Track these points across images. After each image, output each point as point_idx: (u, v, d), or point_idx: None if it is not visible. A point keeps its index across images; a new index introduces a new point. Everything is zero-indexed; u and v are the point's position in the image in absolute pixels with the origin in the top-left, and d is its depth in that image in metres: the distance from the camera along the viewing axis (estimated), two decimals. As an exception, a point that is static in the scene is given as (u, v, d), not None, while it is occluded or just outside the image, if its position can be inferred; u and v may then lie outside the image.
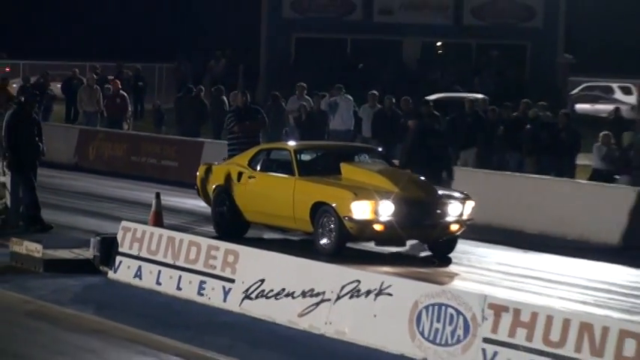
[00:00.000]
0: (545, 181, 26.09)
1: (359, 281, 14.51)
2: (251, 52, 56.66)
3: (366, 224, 19.24)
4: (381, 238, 19.70)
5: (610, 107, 51.91)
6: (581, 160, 29.48)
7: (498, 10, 57.42)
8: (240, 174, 21.34)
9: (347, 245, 19.58)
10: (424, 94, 39.33)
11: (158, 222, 19.34)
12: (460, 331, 13.18)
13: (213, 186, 21.98)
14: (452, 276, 18.71)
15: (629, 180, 26.84)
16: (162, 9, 67.03)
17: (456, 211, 19.84)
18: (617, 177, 27.18)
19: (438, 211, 19.77)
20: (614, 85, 57.77)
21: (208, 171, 22.74)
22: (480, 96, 40.58)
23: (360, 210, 19.16)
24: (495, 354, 12.79)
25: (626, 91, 57.45)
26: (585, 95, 55.08)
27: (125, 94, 39.09)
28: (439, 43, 58.87)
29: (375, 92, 34.63)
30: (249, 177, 21.19)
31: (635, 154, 27.75)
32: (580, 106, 49.57)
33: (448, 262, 19.77)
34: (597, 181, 26.74)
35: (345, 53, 56.12)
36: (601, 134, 28.93)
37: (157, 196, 20.61)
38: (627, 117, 48.10)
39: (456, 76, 51.36)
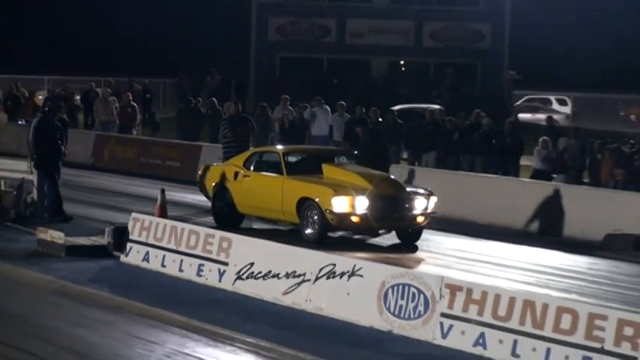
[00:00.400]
0: (494, 179, 26.14)
1: (334, 264, 14.58)
2: (242, 69, 56.47)
3: (345, 216, 19.30)
4: (357, 229, 19.81)
5: (543, 116, 52.08)
6: (524, 161, 29.46)
7: (452, 34, 57.40)
8: (236, 173, 21.37)
9: (328, 234, 19.51)
10: (389, 105, 39.20)
11: (163, 214, 19.33)
12: (421, 307, 13.24)
13: (213, 183, 21.99)
14: (415, 260, 18.73)
15: (564, 178, 26.92)
16: (166, 33, 66.72)
17: (421, 205, 19.89)
18: (554, 176, 27.21)
19: (406, 206, 19.84)
20: (552, 98, 57.89)
21: (208, 171, 22.78)
22: (437, 107, 40.61)
23: (340, 204, 19.22)
24: (451, 327, 12.85)
25: (562, 102, 57.65)
26: (527, 106, 55.17)
27: (135, 105, 38.97)
28: (402, 62, 58.71)
29: (343, 103, 34.63)
30: (244, 176, 21.20)
31: (569, 157, 27.82)
32: (522, 116, 49.58)
33: (415, 249, 19.82)
34: (538, 180, 26.80)
35: (322, 70, 56.01)
36: (540, 139, 28.98)
37: (162, 191, 20.61)
38: (563, 125, 48.35)
39: (417, 90, 51.26)
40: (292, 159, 21.18)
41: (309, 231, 19.58)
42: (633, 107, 59.59)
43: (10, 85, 45.77)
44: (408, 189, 20.47)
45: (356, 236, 20.29)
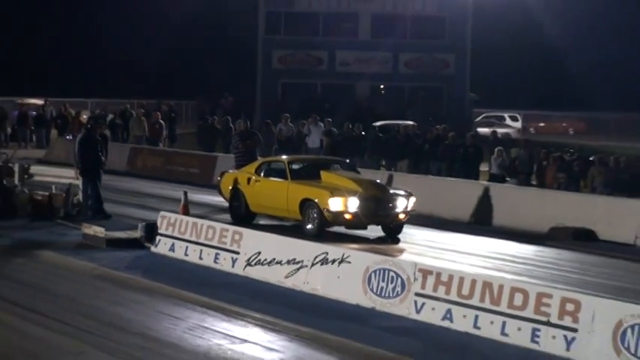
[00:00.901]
0: (458, 182, 26.09)
1: (327, 253, 14.60)
2: (250, 93, 56.44)
3: (339, 214, 19.30)
4: (349, 224, 19.72)
5: (503, 130, 52.08)
6: (483, 167, 29.43)
7: (423, 63, 57.41)
8: (249, 179, 21.34)
9: (325, 229, 19.49)
10: (372, 121, 39.25)
11: (186, 212, 19.27)
12: (399, 288, 13.26)
13: (229, 187, 21.91)
14: (396, 250, 18.70)
15: (516, 181, 26.96)
16: (188, 63, 66.63)
17: (402, 204, 19.88)
18: (507, 179, 27.20)
19: (390, 205, 19.82)
20: (505, 115, 57.84)
21: (225, 176, 22.74)
22: (410, 123, 40.60)
23: (335, 204, 19.22)
24: (423, 304, 12.87)
25: (514, 118, 57.65)
26: (484, 122, 55.08)
27: (162, 122, 38.90)
28: (382, 86, 58.69)
29: (330, 120, 34.73)
30: (256, 181, 21.17)
31: (520, 164, 27.82)
32: (481, 130, 49.45)
33: (397, 240, 19.81)
34: (494, 182, 26.77)
35: (317, 93, 55.96)
36: (496, 149, 29.02)
37: (185, 193, 20.55)
38: (515, 137, 48.37)
39: (394, 109, 51.21)
40: (295, 167, 21.15)
41: (309, 226, 19.53)
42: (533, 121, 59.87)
43: (60, 106, 45.85)
44: (391, 191, 20.44)
45: (348, 230, 20.20)
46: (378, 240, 19.79)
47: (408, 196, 20.18)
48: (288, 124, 35.20)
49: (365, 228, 20.05)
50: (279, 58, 57.86)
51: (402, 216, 20.05)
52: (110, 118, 40.97)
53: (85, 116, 38.44)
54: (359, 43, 57.76)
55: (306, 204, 19.79)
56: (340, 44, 57.72)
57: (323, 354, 11.37)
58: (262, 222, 21.04)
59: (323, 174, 20.57)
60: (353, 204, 19.35)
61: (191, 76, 63.54)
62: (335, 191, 19.56)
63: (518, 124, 56.98)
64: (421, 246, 19.40)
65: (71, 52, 67.85)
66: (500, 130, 52.19)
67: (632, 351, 10.62)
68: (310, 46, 57.84)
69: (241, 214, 21.33)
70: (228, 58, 62.38)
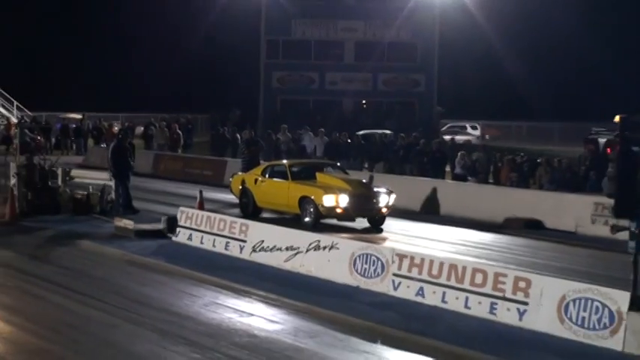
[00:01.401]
0: (427, 180, 25.98)
1: (319, 240, 14.61)
2: (254, 107, 56.40)
3: (332, 209, 19.27)
4: (340, 217, 19.66)
5: (464, 138, 52.16)
6: (447, 168, 29.40)
7: (398, 82, 57.38)
8: (256, 179, 21.29)
9: (320, 221, 19.43)
10: (355, 130, 39.21)
11: (201, 207, 19.22)
12: (379, 269, 13.28)
13: (239, 187, 21.87)
14: (379, 238, 18.66)
15: (476, 180, 26.89)
16: (202, 82, 66.61)
17: (384, 200, 19.84)
18: (469, 178, 27.15)
19: (374, 201, 19.79)
20: (467, 124, 57.78)
21: (236, 178, 22.70)
22: (388, 132, 40.60)
23: (328, 200, 19.20)
24: (400, 283, 12.90)
25: (474, 127, 57.53)
26: (449, 130, 54.97)
27: (180, 133, 38.86)
28: (364, 101, 58.66)
29: (323, 130, 34.72)
30: (262, 181, 21.12)
31: (479, 165, 27.80)
32: (447, 137, 49.42)
33: (380, 230, 19.76)
34: (457, 181, 26.78)
35: (309, 107, 55.92)
36: (459, 153, 28.97)
37: (200, 192, 20.53)
38: (475, 143, 48.38)
39: (374, 120, 51.20)
40: (295, 169, 21.07)
41: (307, 219, 19.46)
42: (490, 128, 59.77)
43: (95, 120, 45.89)
44: (375, 189, 20.35)
45: (339, 222, 20.17)
46: (364, 230, 19.75)
47: (389, 193, 20.16)
48: (286, 134, 35.22)
49: (353, 220, 20.01)
50: (278, 78, 57.80)
51: (384, 210, 20.01)
52: (141, 130, 41.14)
53: (116, 128, 38.41)
54: (344, 66, 57.73)
55: (304, 200, 19.76)
56: (329, 67, 57.69)
57: (316, 325, 11.38)
58: (266, 215, 20.98)
59: (318, 175, 20.56)
60: (343, 200, 19.33)
61: (204, 93, 63.50)
62: (328, 190, 19.55)
63: (478, 132, 56.98)
64: (399, 234, 19.37)
65: (105, 74, 67.83)
66: (463, 138, 52.38)
67: (574, 320, 10.66)
68: (304, 69, 57.79)
69: (249, 209, 21.25)
70: (235, 78, 62.33)
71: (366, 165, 30.87)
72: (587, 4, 67.75)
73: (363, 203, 19.80)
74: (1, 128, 40.66)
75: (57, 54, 66.22)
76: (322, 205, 19.31)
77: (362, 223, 20.09)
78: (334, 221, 19.85)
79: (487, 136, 56.44)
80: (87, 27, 70.68)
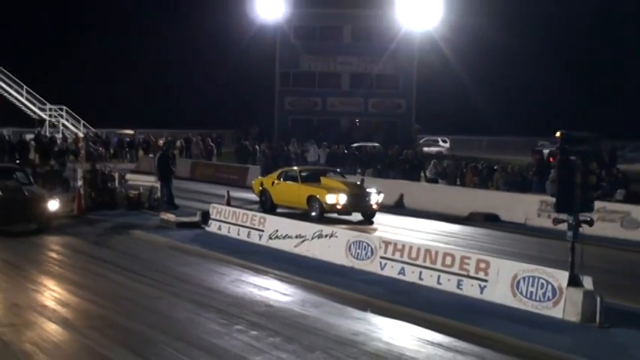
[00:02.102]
0: (407, 183, 26.00)
1: (322, 230, 14.65)
2: (270, 125, 56.39)
3: (333, 205, 19.30)
4: (340, 212, 19.59)
5: (437, 149, 52.13)
6: (423, 174, 29.34)
7: (384, 104, 57.28)
8: (273, 182, 21.32)
9: (324, 215, 19.37)
10: (350, 143, 39.22)
11: (228, 204, 19.26)
12: (369, 253, 13.31)
13: (259, 188, 21.88)
14: (370, 229, 18.60)
15: (445, 183, 26.82)
16: (228, 104, 66.74)
17: (375, 199, 19.88)
18: (440, 181, 27.10)
19: (367, 199, 19.80)
20: (439, 138, 57.72)
21: (256, 181, 22.67)
22: (376, 144, 40.60)
23: (331, 199, 19.24)
24: (385, 264, 12.91)
25: (444, 141, 57.50)
26: (425, 143, 54.91)
27: (212, 145, 38.99)
28: (357, 120, 58.54)
29: (325, 143, 34.75)
30: (277, 183, 21.13)
31: (449, 171, 27.77)
32: (424, 149, 49.29)
33: (371, 223, 19.71)
34: (431, 183, 26.76)
35: (314, 125, 55.81)
36: (432, 161, 29.09)
37: (228, 192, 20.65)
38: (445, 153, 48.37)
39: (365, 135, 51.18)
40: (304, 174, 21.08)
41: (313, 213, 19.42)
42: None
43: (145, 135, 45.98)
44: (367, 190, 20.33)
45: (339, 216, 20.14)
46: (358, 222, 19.73)
47: (378, 193, 20.17)
48: (295, 146, 35.34)
49: (350, 214, 19.98)
50: (289, 102, 57.79)
51: (374, 206, 20.00)
52: (181, 143, 41.29)
53: (161, 141, 38.33)
54: (341, 92, 57.71)
55: (311, 199, 19.75)
56: (329, 93, 57.68)
57: (319, 297, 11.36)
58: (280, 211, 20.95)
59: (322, 179, 20.61)
60: (342, 199, 19.33)
61: (231, 113, 63.55)
62: (330, 190, 19.56)
63: (447, 145, 56.95)
64: (385, 226, 19.34)
65: (151, 98, 67.96)
66: (435, 149, 52.37)
67: (524, 294, 10.67)
68: (310, 95, 57.77)
69: (267, 206, 21.21)
70: (255, 102, 62.38)
71: (359, 170, 30.81)
72: (538, 41, 68.04)
73: (358, 201, 19.79)
74: (71, 141, 40.65)
75: (114, 81, 66.30)
76: (326, 203, 19.34)
77: (357, 216, 20.08)
78: (335, 215, 19.85)
79: (446, 144, 56.48)
80: (138, 58, 70.96)
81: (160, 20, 77.15)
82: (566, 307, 10.13)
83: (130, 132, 49.31)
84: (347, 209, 19.61)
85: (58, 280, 12.36)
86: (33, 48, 65.10)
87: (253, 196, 22.92)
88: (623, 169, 26.68)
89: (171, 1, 79.47)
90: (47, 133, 44.89)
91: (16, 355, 8.30)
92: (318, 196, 19.59)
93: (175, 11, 78.51)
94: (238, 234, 16.65)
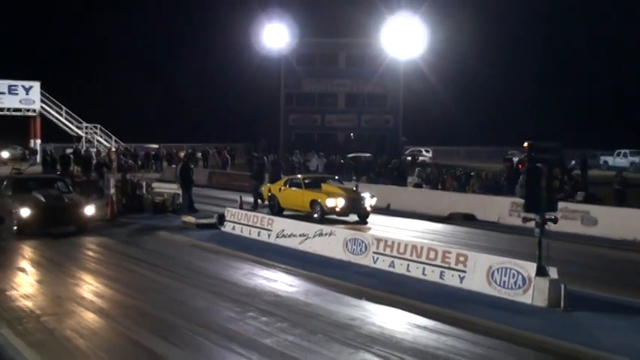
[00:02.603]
0: (395, 188, 26.03)
1: (322, 229, 14.61)
2: (276, 138, 56.49)
3: (333, 208, 19.16)
4: (338, 214, 19.40)
5: (421, 158, 52.03)
6: (410, 180, 29.36)
7: (375, 120, 57.55)
8: (280, 188, 21.14)
9: (325, 217, 19.29)
10: (346, 154, 39.29)
11: (241, 207, 19.18)
12: (363, 249, 13.26)
13: (268, 193, 21.74)
14: (365, 228, 18.55)
15: (429, 188, 26.73)
16: (240, 121, 66.75)
17: (369, 202, 19.75)
18: (424, 186, 27.07)
19: (362, 203, 19.64)
20: (422, 149, 57.61)
21: (265, 187, 22.47)
22: (368, 155, 40.62)
23: (331, 203, 19.12)
24: (378, 258, 12.85)
25: (427, 151, 57.37)
26: (410, 154, 54.78)
27: (227, 156, 39.00)
28: (352, 134, 58.66)
29: (322, 153, 34.79)
30: (284, 189, 20.97)
31: (432, 177, 27.75)
32: (409, 158, 49.30)
33: (365, 223, 19.56)
34: (417, 188, 26.74)
35: (314, 139, 55.92)
36: (417, 169, 29.12)
37: (240, 197, 20.52)
38: (428, 162, 48.34)
39: (358, 147, 51.26)
40: (307, 181, 20.92)
41: (315, 215, 19.23)
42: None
43: (168, 148, 45.98)
44: (362, 194, 20.16)
45: (338, 217, 20.10)
46: (355, 222, 19.62)
47: (371, 197, 20.03)
48: (298, 157, 35.32)
49: (347, 216, 19.87)
50: (293, 119, 58.00)
51: (368, 209, 19.85)
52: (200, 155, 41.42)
53: (182, 153, 38.29)
54: (338, 110, 57.90)
55: (313, 202, 19.60)
56: (327, 111, 57.87)
57: (320, 287, 11.34)
58: (287, 213, 20.92)
59: (323, 185, 20.43)
60: (341, 202, 19.21)
61: (242, 129, 63.63)
62: (330, 195, 19.43)
63: (430, 154, 57.00)
64: (377, 225, 19.27)
65: (172, 117, 68.25)
66: (420, 158, 52.25)
67: (498, 283, 10.65)
68: (310, 112, 57.95)
69: (275, 209, 21.06)
70: (263, 118, 62.50)
71: (354, 177, 30.85)
72: (507, 59, 68.33)
73: (354, 204, 19.64)
74: (104, 155, 40.67)
75: (141, 102, 66.56)
76: (326, 206, 19.21)
77: (353, 218, 20.00)
78: (334, 217, 19.82)
79: (429, 153, 56.50)
80: (162, 82, 71.33)
81: (181, 50, 77.72)
82: (534, 294, 10.13)
83: (155, 146, 49.29)
84: (344, 211, 19.49)
85: (94, 274, 12.35)
86: (70, 72, 65.25)
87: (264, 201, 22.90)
88: (579, 174, 26.78)
89: (191, 34, 79.91)
90: (84, 148, 44.92)
91: (59, 340, 8.30)
92: (319, 200, 19.49)
93: (194, 43, 79.12)
94: (250, 233, 16.60)
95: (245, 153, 49.65)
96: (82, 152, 37.91)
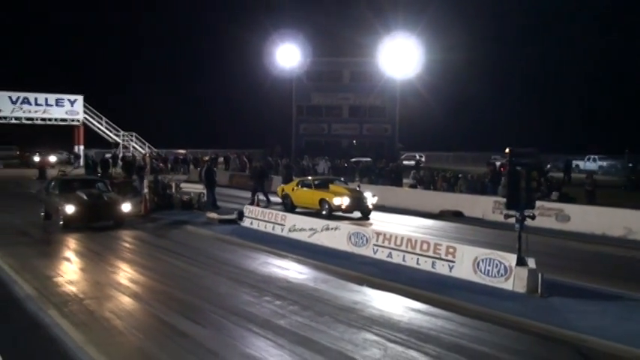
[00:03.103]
0: (393, 188, 25.95)
1: (329, 224, 14.54)
2: (289, 145, 56.37)
3: (339, 206, 19.08)
4: (344, 211, 19.30)
5: (413, 162, 51.82)
6: (405, 181, 29.28)
7: (374, 128, 57.27)
8: (293, 188, 21.05)
9: (332, 214, 19.22)
10: (350, 158, 39.15)
11: (258, 205, 19.19)
12: (365, 241, 13.21)
13: (282, 192, 21.66)
14: (367, 224, 18.50)
15: (422, 188, 26.59)
16: (256, 129, 66.76)
17: (370, 201, 19.67)
18: (418, 187, 26.96)
19: (364, 201, 19.54)
20: (416, 154, 57.40)
21: (280, 187, 22.42)
22: (369, 159, 40.49)
23: (337, 201, 19.05)
24: (377, 249, 12.81)
25: (421, 156, 57.00)
26: (406, 158, 54.63)
27: (246, 160, 38.93)
28: (354, 141, 58.43)
29: (328, 158, 34.74)
30: (296, 189, 20.87)
31: (425, 179, 27.62)
32: (405, 162, 49.12)
33: (368, 219, 19.42)
34: (411, 188, 26.66)
35: (322, 145, 55.73)
36: (412, 171, 29.00)
37: (257, 196, 20.52)
38: (422, 165, 48.17)
39: (360, 152, 51.15)
40: (316, 182, 20.80)
41: (324, 212, 19.13)
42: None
43: (194, 153, 46.11)
44: (364, 193, 20.09)
45: (344, 214, 20.05)
46: (358, 219, 19.55)
47: (373, 196, 19.94)
48: (307, 161, 35.25)
49: (352, 213, 19.78)
50: (303, 128, 57.80)
51: (370, 207, 19.75)
52: (222, 159, 41.36)
53: (206, 158, 38.45)
54: (342, 120, 57.71)
55: (322, 201, 19.50)
56: (333, 120, 57.71)
57: (328, 275, 11.30)
58: (299, 210, 20.90)
59: (330, 186, 20.34)
60: (346, 201, 19.12)
61: (259, 136, 63.65)
62: (337, 194, 19.34)
63: (423, 159, 56.76)
64: (377, 221, 19.21)
65: (198, 125, 68.27)
66: (414, 162, 52.04)
67: (483, 272, 10.59)
68: (318, 122, 57.78)
69: (288, 207, 20.99)
70: (277, 127, 62.48)
71: (357, 179, 30.78)
72: (495, 77, 68.14)
73: (358, 203, 19.54)
74: (140, 159, 40.79)
75: (171, 112, 66.89)
76: (333, 204, 19.13)
77: (357, 214, 19.93)
78: (340, 213, 19.76)
79: (422, 158, 56.24)
80: (189, 95, 71.71)
81: (206, 67, 77.78)
82: (515, 282, 10.08)
83: (183, 151, 49.35)
84: (349, 209, 19.40)
85: (129, 263, 12.37)
86: (110, 87, 65.52)
87: (278, 199, 22.83)
88: (558, 177, 26.63)
89: (213, 55, 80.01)
90: (121, 154, 45.09)
91: (99, 320, 8.31)
92: (327, 199, 19.41)
93: (217, 62, 79.22)
94: (265, 228, 16.58)
95: (262, 158, 49.80)
96: (126, 157, 38.12)
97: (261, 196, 22.63)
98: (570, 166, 30.59)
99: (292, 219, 16.00)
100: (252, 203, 21.10)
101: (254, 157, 47.96)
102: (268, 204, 21.64)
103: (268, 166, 29.18)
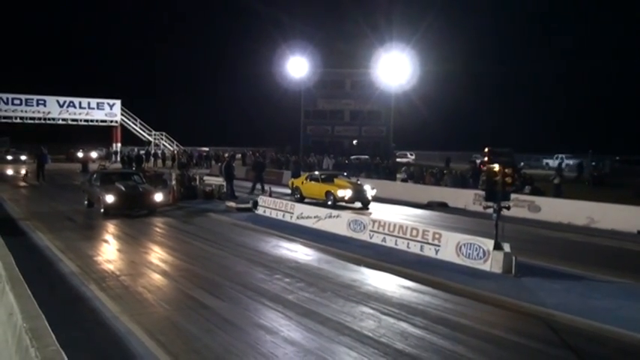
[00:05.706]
0: (388, 182, 25.88)
1: (331, 212, 14.53)
2: (297, 144, 56.27)
3: (342, 197, 18.94)
4: (347, 202, 19.13)
5: (407, 159, 51.57)
6: (398, 175, 29.18)
7: (371, 131, 56.87)
8: (302, 182, 20.90)
9: (337, 204, 19.11)
10: (350, 156, 38.99)
11: (270, 196, 19.11)
12: (362, 228, 13.18)
13: (294, 186, 21.50)
14: (366, 213, 18.45)
15: (413, 182, 26.49)
16: (268, 129, 66.77)
17: (370, 193, 19.51)
18: (409, 181, 26.87)
19: (364, 193, 19.40)
20: (408, 153, 57.20)
21: (290, 181, 22.34)
22: (367, 157, 40.37)
23: (341, 193, 18.92)
24: (373, 234, 12.76)
25: (412, 154, 56.97)
26: (399, 156, 54.47)
27: (259, 157, 38.98)
28: (354, 141, 58.18)
29: (332, 155, 34.62)
30: (305, 183, 20.71)
31: (415, 174, 27.52)
32: (398, 160, 48.87)
33: (367, 209, 19.27)
34: (403, 182, 26.57)
35: (326, 144, 55.49)
36: (403, 167, 28.87)
37: (270, 188, 20.47)
38: (412, 162, 47.98)
39: (359, 150, 50.95)
40: (323, 176, 20.64)
41: (329, 203, 18.96)
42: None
43: (215, 150, 46.13)
44: (364, 186, 19.90)
45: (347, 204, 19.96)
46: (359, 208, 19.46)
47: (372, 189, 19.80)
48: (313, 158, 35.18)
49: (353, 203, 19.63)
50: (310, 129, 57.52)
51: (369, 198, 19.60)
52: (240, 156, 41.30)
53: (226, 154, 38.29)
54: (344, 123, 57.41)
55: (328, 193, 19.34)
56: (336, 123, 57.41)
57: (330, 257, 11.26)
58: (307, 201, 20.86)
59: (335, 180, 20.19)
60: (349, 193, 18.98)
61: (271, 136, 63.65)
62: (341, 187, 19.19)
63: (413, 157, 56.45)
64: (375, 210, 19.14)
65: (218, 126, 68.46)
66: (406, 159, 51.86)
67: (465, 255, 10.56)
68: (323, 124, 57.53)
69: (298, 198, 20.92)
70: (288, 128, 62.43)
71: (357, 174, 30.73)
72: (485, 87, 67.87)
73: (359, 195, 19.38)
74: (168, 155, 40.85)
75: (196, 115, 67.26)
76: (337, 196, 19.00)
77: (358, 205, 19.85)
78: (343, 204, 19.69)
79: (413, 156, 55.91)
80: (211, 100, 71.79)
81: (223, 77, 77.57)
82: (492, 263, 10.05)
83: (206, 149, 49.51)
84: (351, 200, 19.23)
85: (159, 245, 12.38)
86: (145, 93, 65.69)
87: (288, 191, 22.80)
88: (530, 173, 26.48)
89: (231, 66, 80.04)
90: (152, 151, 45.13)
91: (133, 294, 8.34)
92: (332, 191, 19.28)
93: (234, 73, 79.20)
94: (277, 215, 16.57)
95: (260, 154, 49.94)
96: (181, 159, 38.14)
97: (258, 185, 22.62)
98: (561, 165, 30.49)
99: (300, 208, 15.98)
100: (252, 192, 21.05)
101: (268, 154, 48.12)
102: (262, 192, 21.63)
103: (265, 160, 29.01)
